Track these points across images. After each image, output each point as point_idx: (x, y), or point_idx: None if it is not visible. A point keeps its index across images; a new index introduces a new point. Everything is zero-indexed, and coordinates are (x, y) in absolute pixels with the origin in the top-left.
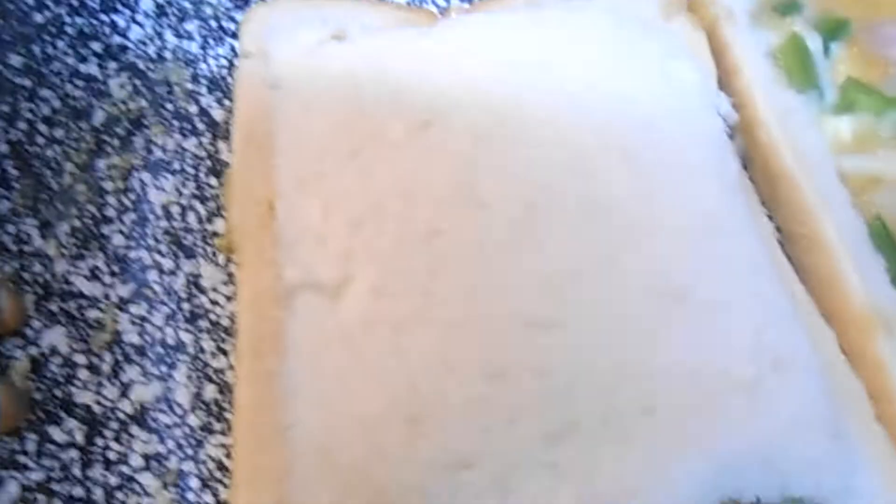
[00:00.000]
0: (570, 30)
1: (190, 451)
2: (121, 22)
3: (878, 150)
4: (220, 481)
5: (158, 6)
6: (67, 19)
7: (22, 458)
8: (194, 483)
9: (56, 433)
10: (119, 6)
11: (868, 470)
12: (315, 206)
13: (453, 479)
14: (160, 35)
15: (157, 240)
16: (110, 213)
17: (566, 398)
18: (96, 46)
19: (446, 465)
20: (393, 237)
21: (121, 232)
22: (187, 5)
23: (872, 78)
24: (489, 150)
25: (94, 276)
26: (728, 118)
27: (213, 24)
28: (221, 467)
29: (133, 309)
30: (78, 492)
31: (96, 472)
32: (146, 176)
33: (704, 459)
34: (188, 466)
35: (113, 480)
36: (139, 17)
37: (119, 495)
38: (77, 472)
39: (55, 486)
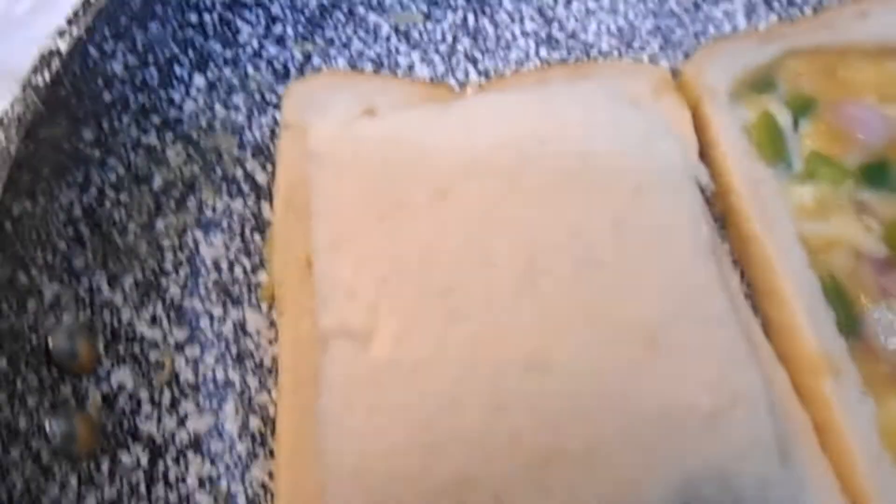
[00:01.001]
0: (570, 107)
1: (238, 474)
2: (176, 97)
3: (835, 216)
4: (264, 499)
5: (209, 82)
6: (131, 96)
7: (97, 479)
8: (242, 501)
9: (124, 457)
10: (175, 83)
11: (811, 491)
12: (346, 264)
13: (460, 495)
14: (210, 107)
15: (208, 290)
16: (168, 266)
17: (555, 429)
18: (155, 119)
19: (455, 486)
20: (413, 292)
21: (177, 283)
22: (235, 81)
23: (835, 151)
24: (497, 215)
25: (154, 322)
26: (706, 187)
27: (258, 97)
28: (265, 488)
29: (188, 351)
30: None
31: (158, 491)
32: (199, 233)
33: (670, 479)
34: (236, 487)
35: (172, 498)
36: (192, 92)
37: None
38: (143, 490)
39: (124, 501)
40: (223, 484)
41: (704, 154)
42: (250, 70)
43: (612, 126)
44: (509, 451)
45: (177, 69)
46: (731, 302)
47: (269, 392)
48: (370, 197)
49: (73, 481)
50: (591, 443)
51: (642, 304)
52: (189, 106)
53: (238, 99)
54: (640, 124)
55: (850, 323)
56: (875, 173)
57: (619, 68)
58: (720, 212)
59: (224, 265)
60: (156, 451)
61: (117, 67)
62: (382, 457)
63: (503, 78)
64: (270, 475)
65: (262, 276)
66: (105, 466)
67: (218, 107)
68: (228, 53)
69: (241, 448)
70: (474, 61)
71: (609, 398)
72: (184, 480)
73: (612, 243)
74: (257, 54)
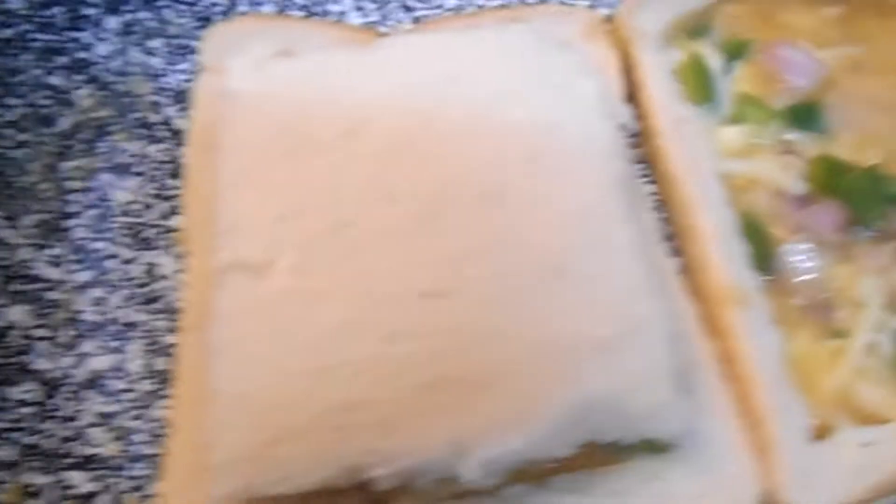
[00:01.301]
0: (491, 47)
1: (139, 412)
2: (86, 38)
3: (759, 156)
4: (164, 436)
5: (124, 25)
6: (35, 35)
7: None
8: (141, 437)
9: (13, 392)
10: (84, 24)
11: (710, 417)
12: (248, 200)
13: (346, 419)
14: (125, 51)
15: (117, 233)
16: (74, 208)
17: (446, 355)
18: (62, 60)
19: (340, 408)
20: (312, 226)
21: (83, 225)
22: (153, 24)
23: (764, 93)
24: (405, 153)
25: (55, 263)
26: (628, 127)
27: (178, 41)
28: (166, 425)
29: (92, 292)
30: (33, 440)
31: (50, 425)
32: (110, 177)
33: (562, 404)
34: (136, 424)
35: (67, 433)
36: (104, 35)
37: (70, 445)
38: (33, 424)
39: (13, 435)
40: (121, 420)
41: (634, 96)
42: (170, 14)
43: (532, 66)
44: (398, 377)
45: (87, 10)
46: (641, 237)
47: (176, 333)
48: (278, 134)
49: None
50: (481, 368)
51: (547, 236)
52: (101, 49)
53: (156, 43)
54: (561, 65)
55: (764, 258)
56: (802, 115)
57: (552, 12)
58: (646, 153)
59: (137, 208)
60: (50, 388)
61: (17, 3)
62: (270, 384)
63: (433, 21)
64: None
65: (177, 220)
66: None
67: (133, 51)
68: None
69: (144, 387)
70: (409, 9)
71: (504, 325)
72: (79, 417)
73: (521, 178)
74: None
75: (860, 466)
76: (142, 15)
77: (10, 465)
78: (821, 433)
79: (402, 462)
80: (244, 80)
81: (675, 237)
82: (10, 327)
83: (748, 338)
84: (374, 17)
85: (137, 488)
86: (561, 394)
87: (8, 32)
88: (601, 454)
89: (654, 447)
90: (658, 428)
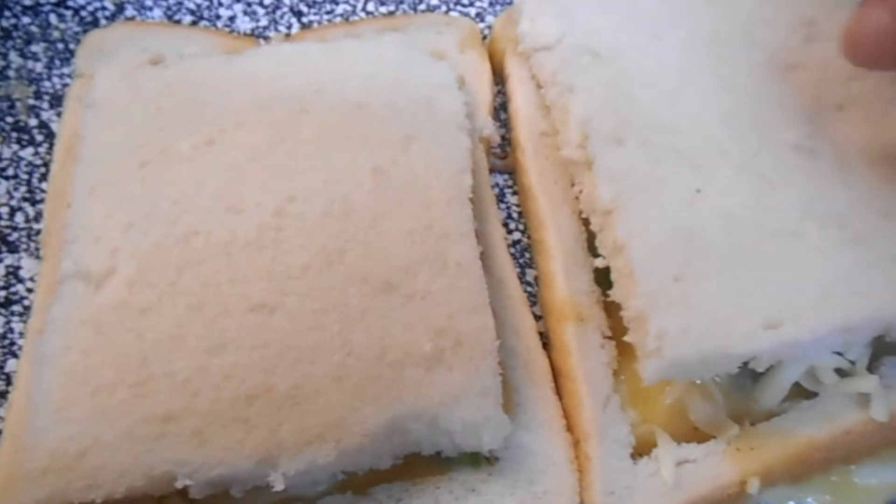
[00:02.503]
0: (358, 59)
1: None
2: None
3: None
4: None
5: (3, 30)
6: None
7: None
8: None
9: None
10: None
11: (536, 431)
12: (98, 210)
13: (160, 429)
14: (4, 55)
15: None
16: None
17: (267, 368)
18: None
19: (156, 419)
20: (156, 237)
21: None
22: (34, 29)
23: None
24: (258, 164)
25: None
26: (492, 140)
27: (60, 45)
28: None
29: None
30: None
31: None
32: None
33: (378, 421)
34: None
35: None
36: None
37: None
38: None
39: None
40: None
41: (507, 108)
42: (53, 19)
43: (396, 78)
44: (217, 389)
45: None
46: (486, 251)
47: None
48: (137, 144)
49: None
50: (300, 381)
51: (384, 251)
52: None
53: (37, 48)
54: (426, 77)
55: (607, 274)
56: None
57: (431, 21)
58: (511, 165)
59: (4, 212)
60: None
61: None
62: (89, 394)
63: (313, 29)
64: None
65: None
66: None
67: (13, 55)
68: (28, 1)
69: None
70: (299, 14)
71: (328, 340)
72: None
73: (368, 192)
74: (62, 3)
75: (674, 485)
76: (24, 20)
77: None
78: (642, 450)
79: (212, 472)
80: (109, 88)
81: (532, 250)
82: None
83: (580, 353)
84: (263, 22)
85: None
86: (379, 408)
87: None
88: (422, 466)
89: (474, 461)
90: (478, 442)
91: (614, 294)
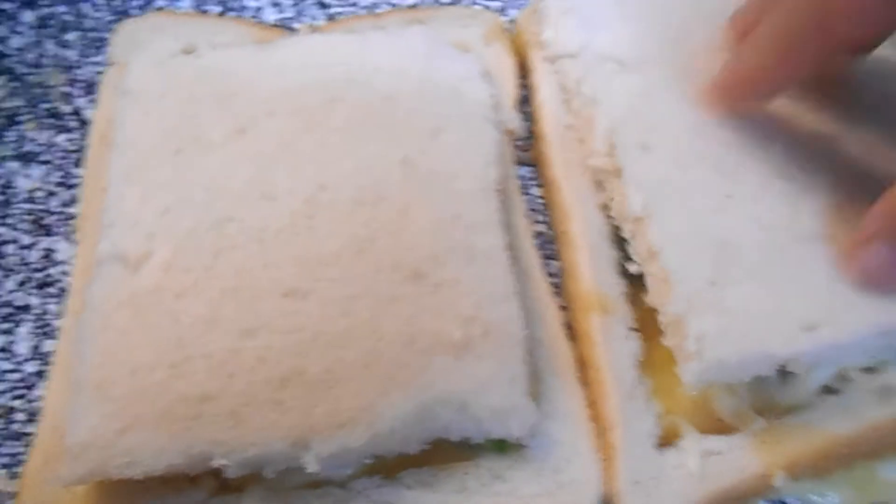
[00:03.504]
0: (385, 51)
1: (21, 392)
2: (1, 32)
3: None
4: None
5: (40, 18)
6: None
7: None
8: (21, 416)
9: None
10: (1, 19)
11: (562, 420)
12: (134, 195)
13: (197, 409)
14: (40, 43)
15: (19, 219)
16: None
17: (300, 352)
18: None
19: (193, 399)
20: (191, 222)
21: None
22: (69, 18)
23: None
24: (290, 153)
25: None
26: (517, 132)
27: (94, 34)
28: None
29: None
30: None
31: None
32: (15, 165)
33: (408, 405)
34: (18, 403)
35: None
36: (20, 28)
37: None
38: None
39: None
40: (4, 399)
41: (530, 101)
42: (87, 9)
43: (423, 70)
44: (251, 371)
45: (3, 5)
46: (512, 242)
47: (63, 317)
48: (170, 131)
49: None
50: (332, 366)
51: (413, 240)
52: (15, 41)
53: (72, 36)
54: (453, 69)
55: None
56: None
57: (456, 14)
58: (535, 157)
59: (40, 196)
60: None
61: None
62: (128, 374)
63: (340, 21)
64: None
65: (79, 209)
66: None
67: (49, 43)
68: None
69: (30, 368)
70: (324, 6)
71: (359, 325)
72: None
73: (397, 181)
74: None
75: (700, 476)
76: (59, 9)
77: None
78: (667, 441)
79: (247, 452)
80: (143, 76)
81: (555, 242)
82: None
83: (606, 344)
84: (289, 14)
85: (8, 465)
86: (409, 393)
87: None
88: (449, 452)
89: (501, 447)
90: (505, 429)
91: (650, 299)
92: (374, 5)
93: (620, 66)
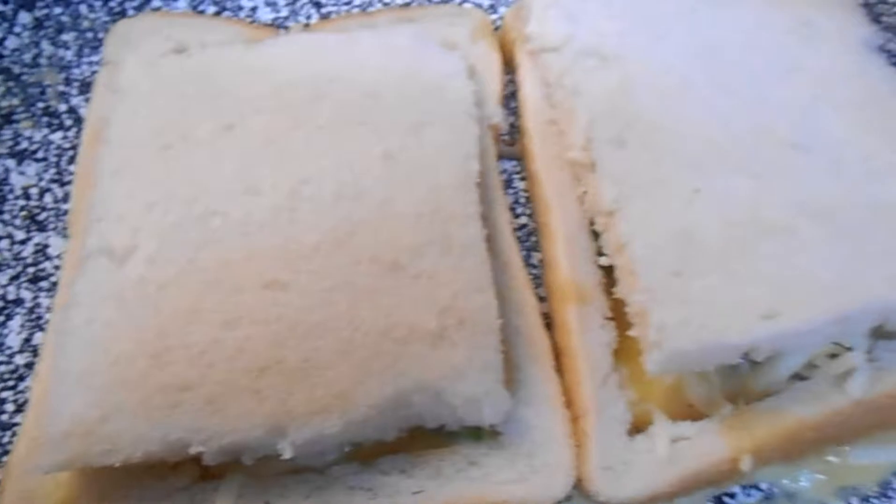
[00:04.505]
0: (373, 48)
1: (11, 383)
2: None
3: None
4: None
5: (36, 19)
6: None
7: None
8: (10, 407)
9: None
10: None
11: (536, 407)
12: (121, 190)
13: (176, 398)
14: (37, 44)
15: (13, 215)
16: None
17: (278, 342)
18: None
19: (172, 388)
20: (176, 216)
21: None
22: (65, 19)
23: None
24: (274, 148)
25: None
26: (500, 127)
27: (90, 35)
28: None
29: None
30: None
31: None
32: (10, 162)
33: (383, 393)
34: (7, 395)
35: None
36: (16, 29)
37: None
38: None
39: None
40: None
41: (516, 97)
42: (83, 10)
43: (408, 68)
44: (231, 361)
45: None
46: (492, 234)
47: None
48: (159, 128)
49: None
50: (310, 355)
51: (393, 232)
52: (12, 42)
53: (68, 37)
54: (440, 67)
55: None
56: None
57: (445, 13)
58: (519, 152)
59: (34, 192)
60: None
61: None
62: (110, 364)
63: (331, 20)
64: None
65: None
66: None
67: (45, 44)
68: None
69: (20, 360)
70: (318, 5)
71: (337, 316)
72: None
73: (378, 176)
74: None
75: (668, 460)
76: (55, 10)
77: None
78: (639, 427)
79: (225, 439)
80: (134, 75)
81: (537, 234)
82: None
83: (582, 333)
84: (283, 13)
85: None
86: (381, 382)
87: None
88: (426, 438)
89: (476, 435)
90: (479, 416)
91: (618, 290)
92: (367, 4)
93: (602, 60)
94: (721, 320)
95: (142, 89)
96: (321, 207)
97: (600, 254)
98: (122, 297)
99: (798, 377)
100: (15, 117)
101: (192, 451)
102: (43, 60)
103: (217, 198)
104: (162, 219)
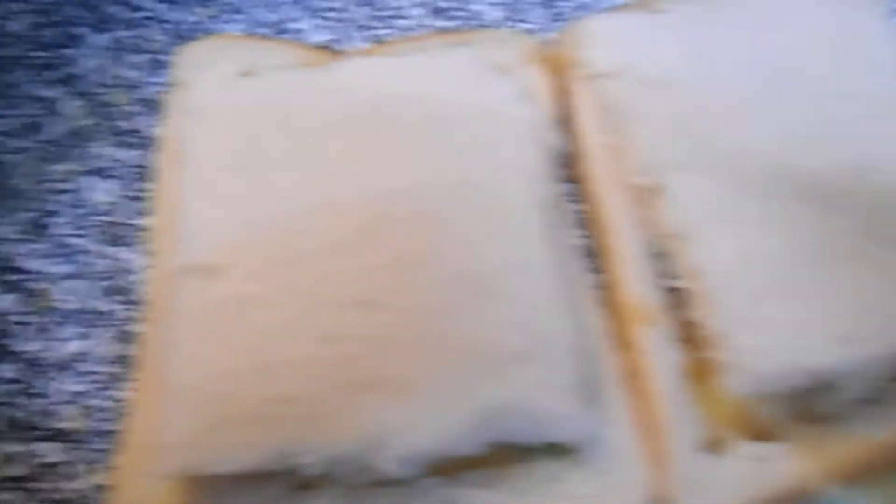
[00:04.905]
0: (432, 72)
1: (105, 392)
2: (76, 55)
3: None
4: (124, 415)
5: (108, 42)
6: (31, 53)
7: None
8: (106, 415)
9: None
10: (75, 42)
11: (613, 425)
12: (207, 209)
13: (279, 411)
14: (109, 65)
15: (93, 230)
16: (57, 208)
17: (375, 360)
18: (54, 75)
19: (275, 402)
20: (262, 236)
21: (64, 223)
22: (133, 41)
23: None
24: (350, 170)
25: (39, 256)
26: (557, 150)
27: (155, 56)
28: (127, 405)
29: (69, 283)
30: (13, 414)
31: (28, 401)
32: (89, 179)
33: (475, 409)
34: (101, 403)
35: (41, 408)
36: (91, 51)
37: (45, 419)
38: (13, 400)
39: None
40: (88, 400)
41: (568, 120)
42: (150, 32)
43: (470, 91)
44: (328, 376)
45: (77, 29)
46: (560, 255)
47: (140, 323)
48: (236, 150)
49: None
50: (405, 372)
51: (470, 255)
52: (88, 63)
53: (137, 59)
54: (497, 90)
55: None
56: None
57: (495, 37)
58: (575, 174)
59: (110, 209)
60: (29, 368)
61: (16, 27)
62: (216, 378)
63: (386, 44)
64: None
65: (146, 221)
66: None
67: (116, 65)
68: (129, 16)
69: (110, 370)
70: (367, 28)
71: (428, 334)
72: (53, 395)
73: (451, 199)
74: (158, 17)
75: (750, 479)
76: (125, 33)
77: None
78: (715, 446)
79: (327, 452)
80: (207, 97)
81: (597, 255)
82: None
83: (651, 353)
84: (334, 36)
85: (98, 461)
86: (473, 399)
87: (8, 51)
88: (509, 454)
89: (557, 451)
90: (561, 434)
91: (692, 315)
92: (413, 28)
93: (660, 85)
94: (798, 344)
95: (215, 111)
96: (403, 229)
97: (665, 275)
98: (218, 313)
99: (868, 400)
100: (91, 136)
101: (296, 463)
102: (114, 81)
103: (299, 218)
104: (248, 238)
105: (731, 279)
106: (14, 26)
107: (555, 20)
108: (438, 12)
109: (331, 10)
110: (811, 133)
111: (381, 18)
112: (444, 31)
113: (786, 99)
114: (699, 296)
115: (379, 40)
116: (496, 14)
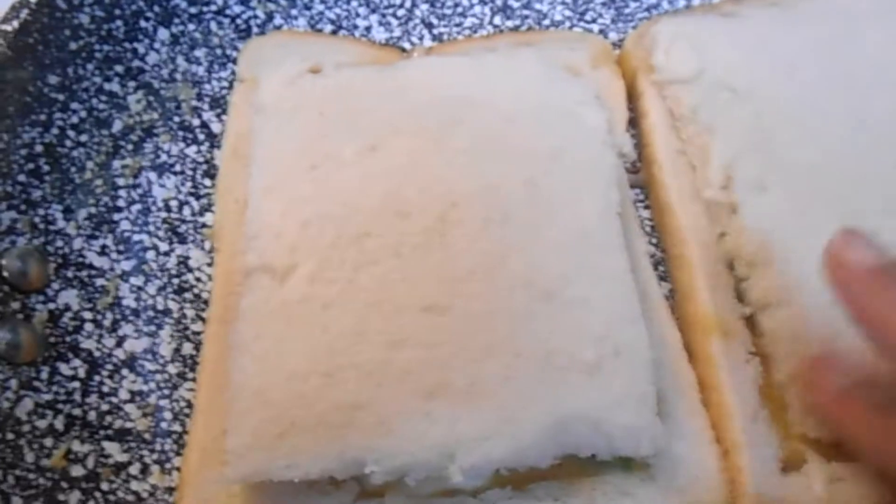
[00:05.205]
0: (502, 73)
1: (167, 392)
2: (140, 48)
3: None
4: (187, 415)
5: (173, 36)
6: (96, 46)
7: (36, 384)
8: (168, 415)
9: (63, 368)
10: (140, 36)
11: (686, 440)
12: (275, 207)
13: (349, 417)
14: (173, 59)
15: (156, 227)
16: (121, 203)
17: (443, 365)
18: (119, 68)
19: (345, 407)
20: (331, 236)
21: (128, 219)
22: (198, 36)
23: None
24: (419, 171)
25: (103, 252)
26: (628, 155)
27: (219, 51)
28: (189, 405)
29: (132, 280)
30: (77, 412)
31: (92, 399)
32: (152, 175)
33: (546, 420)
34: (164, 402)
35: (104, 407)
36: (156, 45)
37: (108, 418)
38: (77, 398)
39: (59, 406)
40: (152, 399)
41: (637, 124)
42: (213, 27)
43: (540, 93)
44: (399, 382)
45: (142, 23)
46: (632, 263)
47: (202, 322)
48: (304, 148)
49: (13, 384)
50: (475, 380)
51: (541, 260)
52: (152, 57)
53: (200, 53)
54: (569, 92)
55: None
56: None
57: (563, 38)
58: (644, 180)
59: (174, 205)
60: (93, 366)
61: (84, 19)
62: (284, 381)
63: (451, 42)
64: (195, 394)
65: (209, 217)
66: (45, 374)
67: (180, 59)
68: (193, 10)
69: (172, 369)
70: (430, 26)
71: (498, 341)
72: (116, 393)
73: (522, 202)
74: (221, 12)
75: (826, 500)
76: (189, 27)
77: (58, 434)
78: (790, 465)
79: (396, 460)
80: (275, 94)
81: (666, 264)
82: (64, 309)
83: (726, 367)
84: (397, 33)
85: (162, 461)
86: (544, 409)
87: (74, 45)
88: (578, 467)
89: (628, 465)
90: (633, 448)
91: (784, 332)
92: (478, 26)
93: (735, 94)
94: None
95: (283, 108)
96: (471, 232)
97: (740, 289)
98: (288, 315)
99: None
100: (155, 131)
101: (367, 470)
102: (178, 76)
103: (368, 218)
104: (318, 238)
105: (811, 298)
106: (82, 18)
107: (621, 21)
108: (502, 11)
109: (393, 6)
110: (889, 144)
111: (443, 16)
112: (510, 30)
113: (869, 111)
114: (773, 321)
115: (441, 38)
116: (561, 13)
